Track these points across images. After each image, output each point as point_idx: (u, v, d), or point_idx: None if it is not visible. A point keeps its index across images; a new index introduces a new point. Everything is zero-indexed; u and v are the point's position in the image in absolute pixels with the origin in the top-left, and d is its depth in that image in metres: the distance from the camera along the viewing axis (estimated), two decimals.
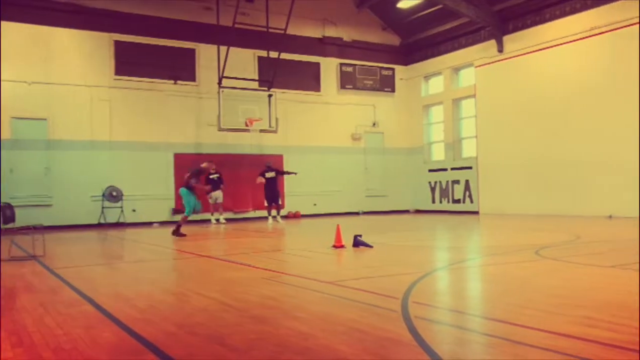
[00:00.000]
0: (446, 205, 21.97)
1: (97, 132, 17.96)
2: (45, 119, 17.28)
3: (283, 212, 19.96)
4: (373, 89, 22.96)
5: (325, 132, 21.82)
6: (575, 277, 5.98)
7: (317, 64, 21.96)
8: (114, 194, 17.69)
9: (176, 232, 12.82)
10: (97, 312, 4.66)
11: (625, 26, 15.81)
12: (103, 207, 17.66)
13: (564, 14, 17.58)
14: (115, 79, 18.35)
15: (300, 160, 21.05)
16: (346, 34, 22.49)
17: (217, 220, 17.97)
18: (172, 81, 19.19)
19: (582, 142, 16.77)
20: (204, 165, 14.57)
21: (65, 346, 3.55)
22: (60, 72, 17.50)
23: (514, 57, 19.10)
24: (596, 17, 16.57)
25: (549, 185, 17.81)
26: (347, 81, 22.36)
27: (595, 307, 4.33)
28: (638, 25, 15.42)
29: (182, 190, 13.35)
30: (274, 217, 17.91)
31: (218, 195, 17.93)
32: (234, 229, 15.44)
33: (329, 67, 22.16)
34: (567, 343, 3.31)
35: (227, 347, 3.43)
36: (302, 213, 20.93)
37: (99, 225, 17.50)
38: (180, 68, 19.39)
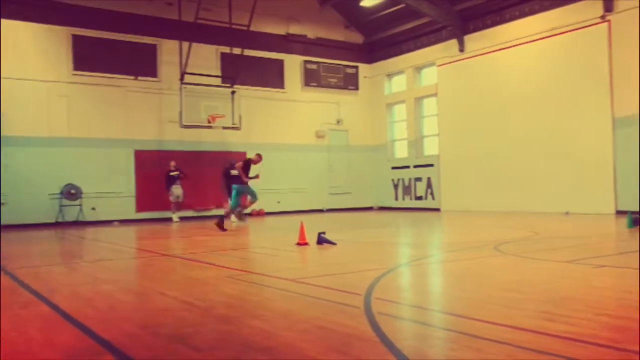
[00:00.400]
0: (409, 202, 22.21)
1: (55, 129, 17.49)
2: None
3: (247, 210, 19.80)
4: (337, 86, 23.02)
5: (289, 129, 21.78)
6: (534, 273, 6.11)
7: (281, 61, 21.89)
8: (73, 192, 17.28)
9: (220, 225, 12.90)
10: (55, 313, 4.54)
11: (581, 27, 16.25)
12: (61, 206, 17.24)
13: (523, 14, 17.96)
14: (73, 74, 17.92)
15: (264, 158, 20.82)
16: (310, 31, 22.47)
17: (176, 218, 17.75)
18: (133, 77, 18.85)
19: (540, 140, 17.16)
20: (253, 157, 14.83)
21: (20, 348, 3.44)
22: (15, 67, 16.96)
23: (474, 56, 19.42)
24: (554, 18, 16.98)
25: (508, 183, 18.18)
26: (311, 79, 22.36)
27: (553, 302, 4.43)
28: (594, 26, 15.89)
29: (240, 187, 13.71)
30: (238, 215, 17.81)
31: (179, 192, 17.73)
32: (197, 227, 15.26)
33: (293, 64, 22.11)
34: (526, 337, 3.38)
35: (190, 347, 3.38)
36: (266, 211, 20.84)
37: (57, 224, 17.07)
38: (141, 64, 19.05)
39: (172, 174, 17.69)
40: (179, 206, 17.87)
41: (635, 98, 14.90)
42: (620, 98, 15.37)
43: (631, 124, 15.13)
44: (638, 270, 5.61)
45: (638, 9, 14.83)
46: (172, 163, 17.95)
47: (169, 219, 17.87)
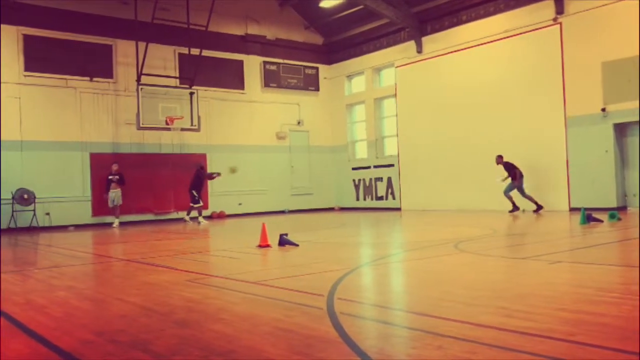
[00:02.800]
0: (370, 203, 22.36)
1: (6, 131, 16.88)
2: None
3: (207, 212, 19.65)
4: (297, 87, 23.00)
5: (249, 130, 21.64)
6: (492, 270, 6.23)
7: (240, 62, 21.73)
8: (25, 196, 16.74)
9: None
10: (7, 322, 4.37)
11: (535, 29, 16.68)
12: (13, 211, 16.67)
13: (479, 16, 18.32)
14: (25, 75, 17.36)
15: (224, 159, 20.78)
16: (269, 32, 22.39)
17: (116, 223, 17.44)
18: (88, 78, 18.39)
19: (497, 139, 17.50)
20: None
21: None
22: None
23: (432, 57, 19.69)
24: (509, 20, 17.38)
25: (466, 182, 18.49)
26: (271, 79, 22.27)
27: (511, 298, 4.52)
28: (547, 27, 16.33)
29: None
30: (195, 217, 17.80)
31: (116, 196, 17.37)
32: (155, 231, 15.01)
33: (253, 65, 21.98)
34: (486, 333, 3.43)
35: (150, 354, 3.30)
36: (227, 213, 20.66)
37: (9, 230, 16.51)
38: (96, 64, 18.60)
39: (110, 177, 17.39)
40: (115, 210, 17.49)
41: (586, 98, 15.39)
42: (572, 98, 15.83)
43: (583, 123, 15.61)
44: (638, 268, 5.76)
45: (587, 11, 15.35)
46: (114, 167, 17.56)
47: (124, 224, 17.51)
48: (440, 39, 19.51)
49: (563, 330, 3.47)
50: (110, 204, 17.39)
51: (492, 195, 17.55)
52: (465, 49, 18.58)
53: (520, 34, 17.01)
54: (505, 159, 16.22)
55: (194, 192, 17.60)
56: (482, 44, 18.07)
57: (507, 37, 17.38)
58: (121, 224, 17.47)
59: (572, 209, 15.58)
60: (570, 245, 8.53)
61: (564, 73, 15.98)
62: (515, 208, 15.93)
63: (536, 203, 15.64)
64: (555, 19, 16.22)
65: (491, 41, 17.80)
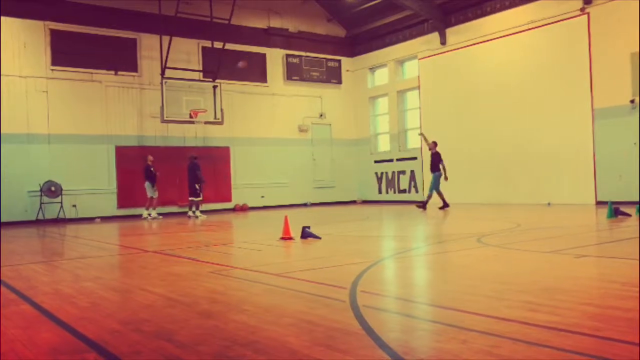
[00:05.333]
0: (392, 196, 22.28)
1: (34, 125, 17.22)
2: None
3: (230, 204, 19.83)
4: (319, 80, 22.97)
5: (272, 123, 21.70)
6: (517, 264, 6.16)
7: (263, 55, 21.78)
8: (53, 189, 17.05)
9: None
10: (36, 311, 4.47)
11: (561, 20, 16.38)
12: (41, 203, 17.00)
13: (504, 7, 18.06)
14: (52, 70, 17.65)
15: (247, 152, 20.89)
16: (292, 24, 22.38)
17: (154, 214, 17.66)
18: (113, 72, 18.62)
19: (521, 132, 17.30)
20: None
21: (2, 348, 3.38)
22: None
23: (456, 49, 19.49)
24: (534, 11, 17.10)
25: (490, 175, 18.31)
26: (293, 72, 22.28)
27: (536, 292, 4.46)
28: (574, 18, 16.03)
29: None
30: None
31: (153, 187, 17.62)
32: (180, 223, 15.16)
33: (275, 58, 22.01)
34: (511, 327, 3.40)
35: (174, 344, 3.35)
36: (249, 205, 20.78)
37: (38, 222, 16.85)
38: (121, 58, 18.83)
39: (152, 169, 17.53)
40: (154, 201, 17.74)
41: (614, 89, 15.10)
42: (599, 89, 15.54)
43: (610, 115, 15.32)
44: (638, 261, 5.67)
45: (615, 1, 15.02)
46: (150, 158, 17.69)
47: (140, 216, 17.84)
48: (464, 30, 19.30)
49: (589, 325, 3.42)
50: (155, 195, 17.59)
51: (516, 188, 17.37)
52: (490, 40, 18.35)
53: (547, 24, 16.74)
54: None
55: (196, 185, 17.36)
56: (507, 36, 17.82)
57: (533, 28, 17.11)
58: (143, 216, 17.62)
59: (598, 203, 15.33)
60: (597, 240, 8.40)
61: (591, 64, 15.68)
62: (446, 204, 15.93)
63: (444, 200, 15.93)
64: (582, 9, 15.91)
65: (516, 32, 17.55)
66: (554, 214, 13.42)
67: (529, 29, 17.21)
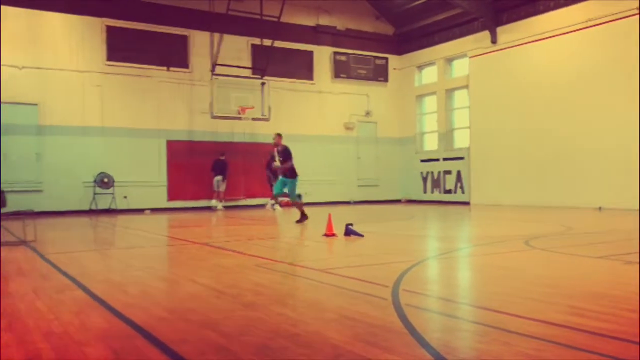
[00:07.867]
0: (438, 196, 22.05)
1: (88, 118, 17.85)
2: (36, 104, 17.15)
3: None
4: (366, 78, 22.91)
5: (318, 121, 21.79)
6: (564, 268, 6.03)
7: (311, 53, 21.88)
8: (106, 180, 17.62)
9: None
10: (88, 297, 4.66)
11: (618, 19, 15.85)
12: (94, 194, 17.59)
13: (557, 6, 17.60)
14: (107, 65, 18.22)
15: (292, 149, 20.89)
16: (340, 22, 22.40)
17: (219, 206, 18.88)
18: (165, 68, 19.07)
19: (573, 133, 16.84)
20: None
21: (56, 330, 3.55)
22: (51, 57, 17.35)
23: (507, 48, 19.11)
24: (589, 9, 16.59)
25: (540, 177, 17.90)
26: (340, 70, 22.30)
27: (583, 297, 4.38)
28: (638, 16, 15.48)
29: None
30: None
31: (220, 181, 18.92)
32: (227, 217, 15.43)
33: (323, 55, 22.08)
34: (556, 331, 3.35)
35: (218, 333, 3.44)
36: None
37: (90, 212, 17.44)
38: (172, 54, 19.27)
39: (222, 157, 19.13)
40: (220, 194, 19.07)
41: None
42: None
43: None
44: None
45: None
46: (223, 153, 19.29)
47: (205, 208, 18.90)
48: (516, 29, 18.90)
49: (635, 332, 3.34)
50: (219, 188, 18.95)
51: (565, 190, 16.93)
52: (542, 39, 17.91)
53: (601, 24, 16.21)
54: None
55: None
56: (560, 35, 17.36)
57: (587, 27, 16.60)
58: (193, 209, 18.45)
59: None
60: None
61: None
62: (304, 217, 12.23)
63: (303, 212, 12.48)
64: None
65: (570, 32, 17.07)
66: (605, 218, 13.03)
67: (583, 28, 16.71)
